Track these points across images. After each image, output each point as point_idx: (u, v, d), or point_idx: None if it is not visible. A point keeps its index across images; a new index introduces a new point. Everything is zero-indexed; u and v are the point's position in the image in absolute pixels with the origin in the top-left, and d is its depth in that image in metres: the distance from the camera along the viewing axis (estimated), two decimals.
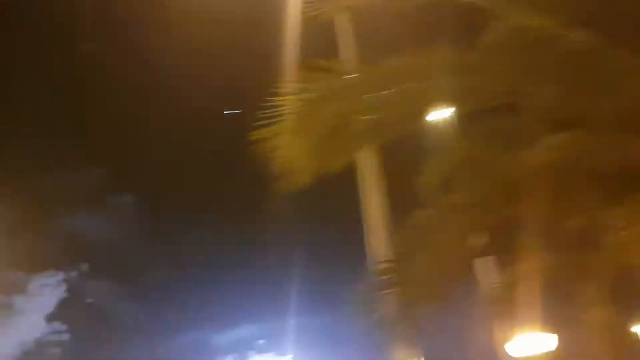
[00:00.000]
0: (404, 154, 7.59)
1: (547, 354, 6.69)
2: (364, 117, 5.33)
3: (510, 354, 6.73)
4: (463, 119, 6.89)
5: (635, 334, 6.91)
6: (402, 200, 7.90)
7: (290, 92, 4.88)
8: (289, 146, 5.05)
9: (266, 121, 4.84)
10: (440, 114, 7.67)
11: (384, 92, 5.26)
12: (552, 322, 6.38)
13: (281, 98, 4.87)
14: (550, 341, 6.72)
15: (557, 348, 6.76)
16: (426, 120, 7.03)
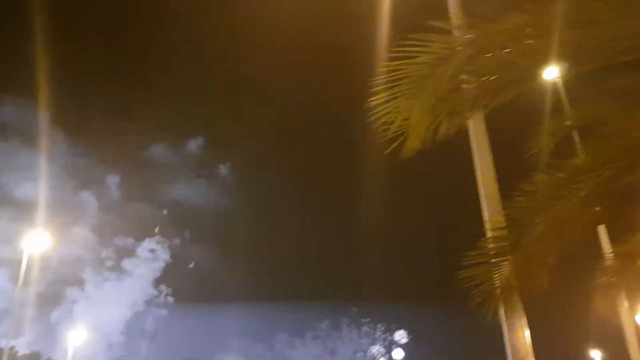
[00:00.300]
0: (517, 118, 7.30)
1: None
2: (479, 79, 5.10)
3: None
4: (583, 78, 6.46)
5: None
6: (514, 166, 7.63)
7: (405, 56, 4.75)
8: (403, 111, 4.95)
9: (381, 86, 4.76)
10: (558, 73, 7.27)
11: (500, 51, 5.01)
12: None
13: (395, 62, 4.75)
14: None
15: None
16: (543, 80, 6.69)
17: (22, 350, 35.69)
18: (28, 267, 20.41)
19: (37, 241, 21.33)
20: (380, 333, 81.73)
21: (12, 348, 18.49)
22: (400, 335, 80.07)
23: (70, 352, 27.36)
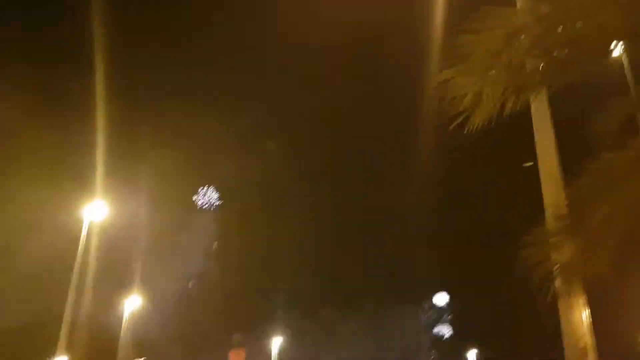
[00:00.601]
0: (579, 96, 7.14)
1: None
2: (550, 54, 5.02)
3: None
4: None
5: None
6: (576, 146, 7.48)
7: (472, 31, 4.71)
8: (466, 87, 4.94)
9: (446, 63, 4.75)
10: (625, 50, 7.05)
11: (572, 26, 4.91)
12: None
13: (462, 38, 4.73)
14: None
15: None
16: (610, 59, 6.51)
17: (81, 317, 37.53)
18: (88, 235, 21.32)
19: (96, 210, 22.22)
20: (426, 310, 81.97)
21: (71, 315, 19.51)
22: (446, 313, 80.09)
23: (125, 317, 28.72)
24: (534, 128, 6.87)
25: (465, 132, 4.96)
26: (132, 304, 29.78)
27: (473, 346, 46.51)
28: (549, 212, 6.27)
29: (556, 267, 6.04)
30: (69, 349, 24.46)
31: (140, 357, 52.09)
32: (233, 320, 72.05)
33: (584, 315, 6.53)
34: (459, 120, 4.94)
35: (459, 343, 72.78)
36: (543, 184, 6.54)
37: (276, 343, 58.70)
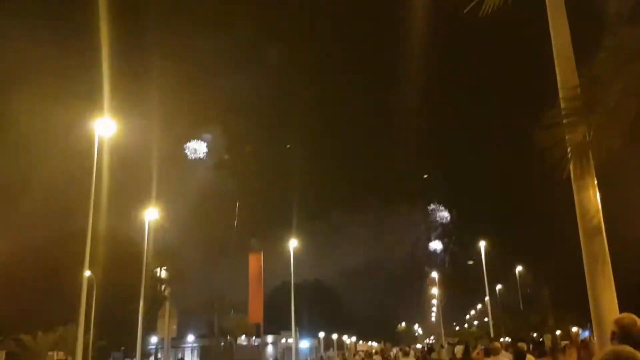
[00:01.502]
0: None
1: None
2: None
3: None
4: None
5: None
6: (590, 24, 7.26)
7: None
8: None
9: None
10: None
11: None
12: None
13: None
14: None
15: None
16: None
17: (100, 229, 38.81)
18: (99, 151, 21.50)
19: (105, 126, 22.22)
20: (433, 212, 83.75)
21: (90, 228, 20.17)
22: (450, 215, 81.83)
23: (146, 227, 29.73)
24: (547, 7, 6.65)
25: (480, 14, 4.82)
26: (151, 214, 30.65)
27: (483, 238, 47.70)
28: (562, 93, 6.21)
29: (570, 148, 6.08)
30: (93, 263, 25.50)
31: (163, 265, 54.39)
32: (248, 227, 74.15)
33: (596, 195, 6.63)
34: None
35: (470, 235, 74.88)
36: (557, 64, 6.42)
37: (292, 245, 60.54)
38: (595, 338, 6.15)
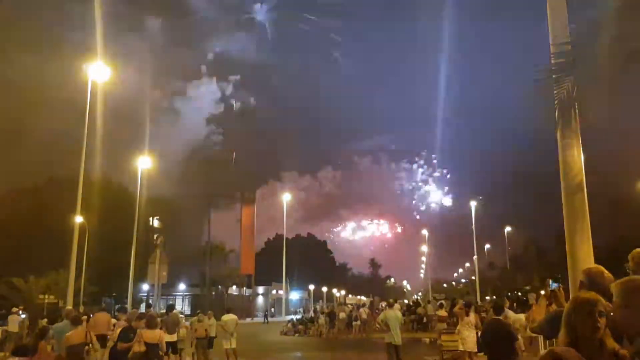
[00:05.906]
0: None
1: None
2: None
3: None
4: None
5: None
6: None
7: None
8: None
9: None
10: None
11: None
12: None
13: None
14: None
15: None
16: None
17: (94, 176, 38.84)
18: (92, 97, 21.23)
19: (99, 71, 21.86)
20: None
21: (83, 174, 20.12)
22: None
23: (139, 176, 29.74)
24: None
25: None
26: (144, 163, 30.50)
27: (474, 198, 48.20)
28: (553, 49, 6.20)
29: (556, 103, 6.11)
30: (86, 210, 25.52)
31: (156, 215, 54.57)
32: (241, 180, 74.33)
33: (580, 154, 6.68)
34: None
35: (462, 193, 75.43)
36: (550, 22, 6.37)
37: (286, 199, 60.99)
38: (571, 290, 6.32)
